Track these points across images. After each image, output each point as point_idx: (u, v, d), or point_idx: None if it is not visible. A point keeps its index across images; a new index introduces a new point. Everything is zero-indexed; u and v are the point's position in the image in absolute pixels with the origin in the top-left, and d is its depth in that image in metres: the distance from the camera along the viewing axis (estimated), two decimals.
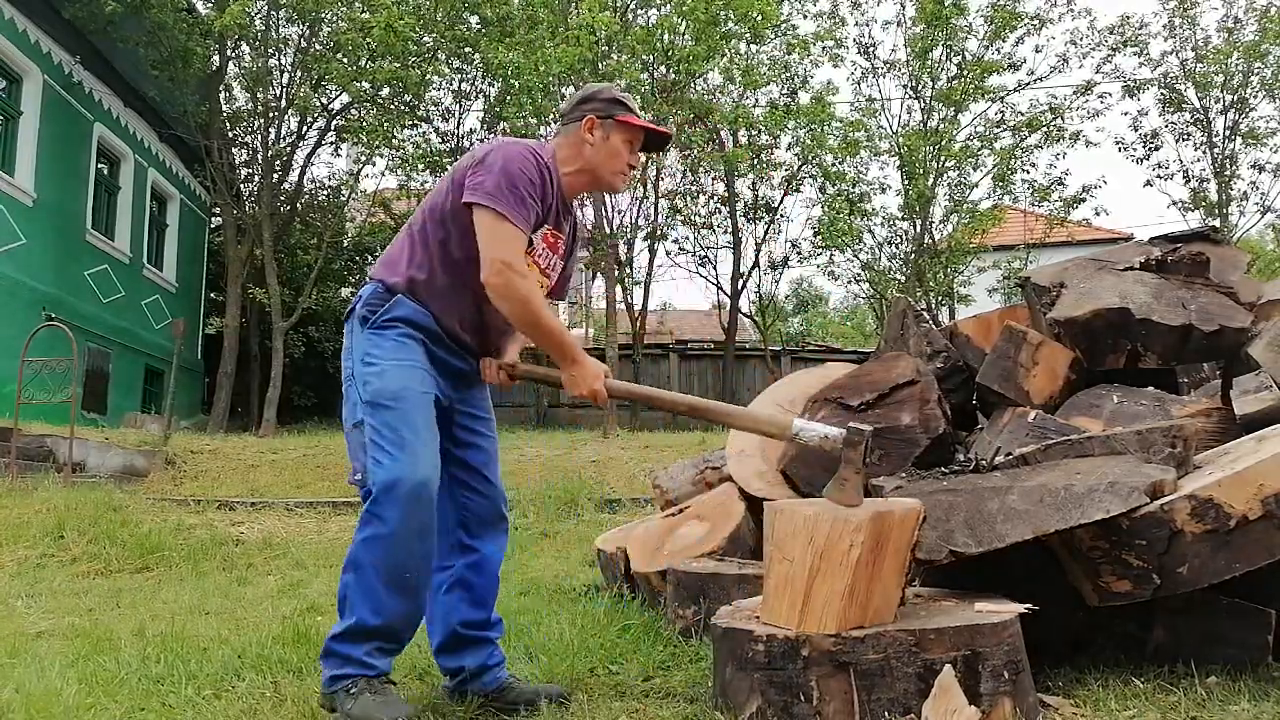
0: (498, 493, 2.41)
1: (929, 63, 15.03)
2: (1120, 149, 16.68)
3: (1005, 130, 15.52)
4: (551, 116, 13.48)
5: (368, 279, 2.33)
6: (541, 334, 2.23)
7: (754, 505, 3.35)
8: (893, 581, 2.04)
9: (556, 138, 2.43)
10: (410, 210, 14.35)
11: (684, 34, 13.44)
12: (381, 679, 2.09)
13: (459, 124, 14.10)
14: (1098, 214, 16.36)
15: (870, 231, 16.20)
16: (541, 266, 2.32)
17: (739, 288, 16.23)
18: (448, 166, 13.29)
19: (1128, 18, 15.60)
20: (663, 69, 13.61)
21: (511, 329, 2.36)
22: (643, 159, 2.59)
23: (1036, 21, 15.03)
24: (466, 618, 2.32)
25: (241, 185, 15.47)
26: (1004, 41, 15.12)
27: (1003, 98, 15.38)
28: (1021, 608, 2.07)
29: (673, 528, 3.58)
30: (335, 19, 13.31)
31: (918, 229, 15.59)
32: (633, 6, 13.91)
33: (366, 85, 13.17)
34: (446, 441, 2.27)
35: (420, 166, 13.53)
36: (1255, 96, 15.64)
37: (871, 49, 15.86)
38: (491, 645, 2.36)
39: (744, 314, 16.94)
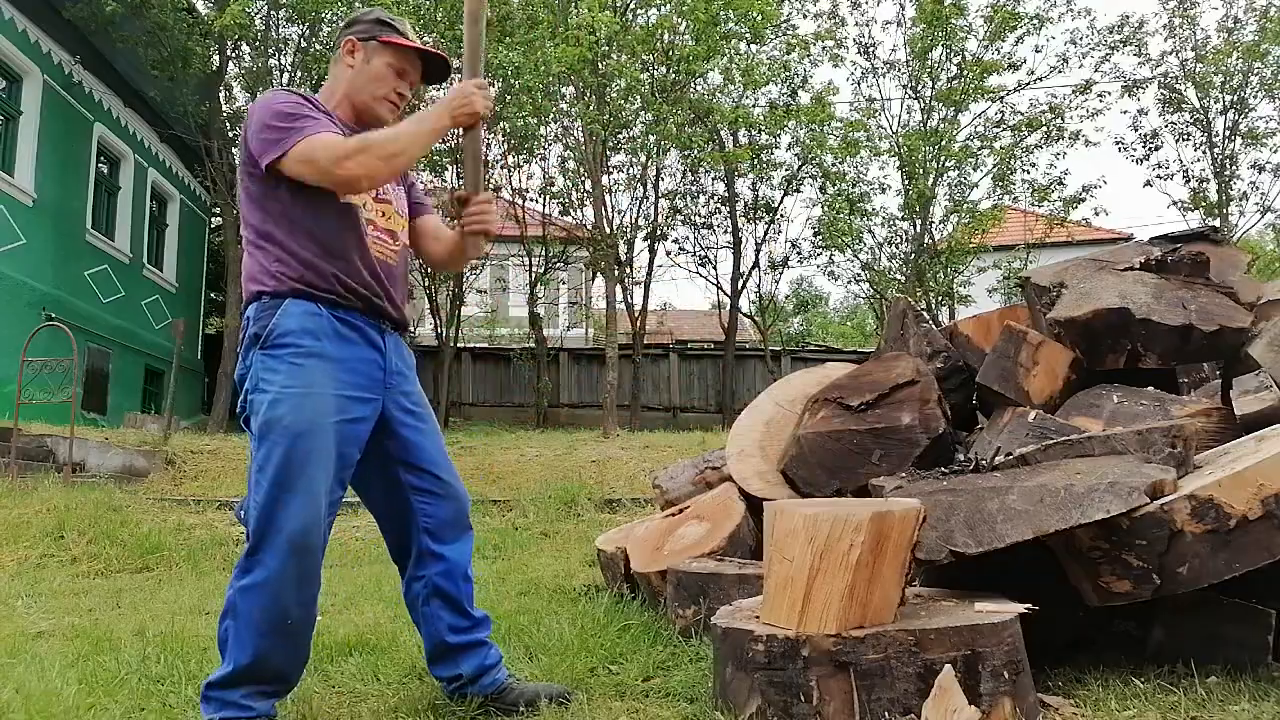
0: (456, 491, 2.26)
1: (929, 63, 15.05)
2: (1120, 149, 16.71)
3: (1005, 130, 15.53)
4: (551, 116, 13.50)
5: (244, 303, 2.12)
6: (408, 142, 2.07)
7: (754, 505, 3.35)
8: (893, 581, 2.04)
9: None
10: None
11: (684, 34, 13.44)
12: (260, 719, 2.00)
13: None
14: (1097, 214, 16.40)
15: (870, 231, 16.22)
16: (379, 196, 2.21)
17: (739, 288, 16.23)
18: (448, 166, 13.38)
19: (1127, 17, 15.63)
20: (663, 69, 13.62)
21: (400, 270, 2.25)
22: (417, 90, 2.40)
23: (1036, 21, 15.04)
24: (452, 624, 2.25)
25: None
26: (1004, 41, 15.14)
27: (1003, 98, 15.40)
28: (1021, 608, 2.07)
29: (673, 528, 3.58)
30: (335, 19, 13.30)
31: (918, 229, 15.59)
32: (633, 6, 13.91)
33: None
34: (387, 445, 2.17)
35: (420, 166, 13.53)
36: (1255, 97, 15.65)
37: (871, 49, 15.89)
38: (485, 646, 2.30)
39: (744, 314, 16.95)
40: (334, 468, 2.02)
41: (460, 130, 2.21)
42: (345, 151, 1.99)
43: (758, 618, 2.14)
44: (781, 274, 16.81)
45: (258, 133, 2.05)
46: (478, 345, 18.21)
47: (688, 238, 16.69)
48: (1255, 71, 15.39)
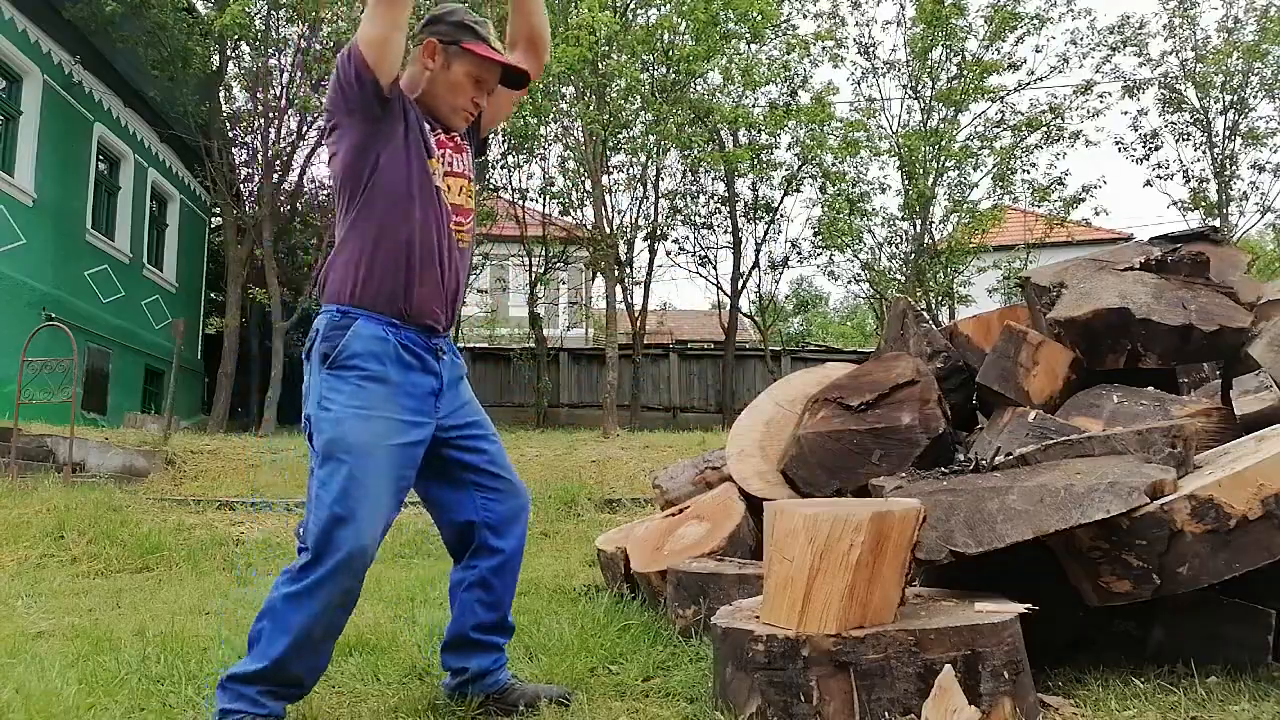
0: (516, 487, 2.32)
1: (929, 63, 15.05)
2: (1120, 149, 16.71)
3: (1005, 130, 15.53)
4: (551, 116, 13.50)
5: (320, 303, 2.17)
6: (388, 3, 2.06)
7: (754, 505, 3.35)
8: (892, 581, 2.04)
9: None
10: None
11: (684, 34, 13.44)
12: (267, 718, 2.03)
13: None
14: (1097, 214, 16.40)
15: (870, 231, 16.22)
16: (449, 169, 2.22)
17: (739, 288, 16.23)
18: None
19: (1128, 18, 15.62)
20: (663, 69, 13.62)
21: (469, 258, 2.30)
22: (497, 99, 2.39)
23: (1036, 22, 15.04)
24: (480, 620, 2.28)
25: (241, 185, 15.47)
26: (1004, 42, 15.14)
27: (1003, 98, 15.40)
28: (1021, 608, 2.07)
29: (673, 528, 3.58)
30: (335, 19, 13.30)
31: (918, 229, 15.60)
32: (633, 6, 13.91)
33: None
34: (448, 453, 2.22)
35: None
36: (1255, 97, 15.66)
37: (871, 49, 15.89)
38: (498, 650, 2.33)
39: (744, 314, 16.95)
40: (393, 489, 2.06)
41: None
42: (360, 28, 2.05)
43: (758, 618, 2.14)
44: (781, 274, 16.84)
45: (331, 96, 2.10)
46: (478, 345, 18.21)
47: (688, 238, 16.71)
48: (1255, 71, 15.39)
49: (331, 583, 1.98)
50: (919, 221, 15.49)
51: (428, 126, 2.19)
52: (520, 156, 14.73)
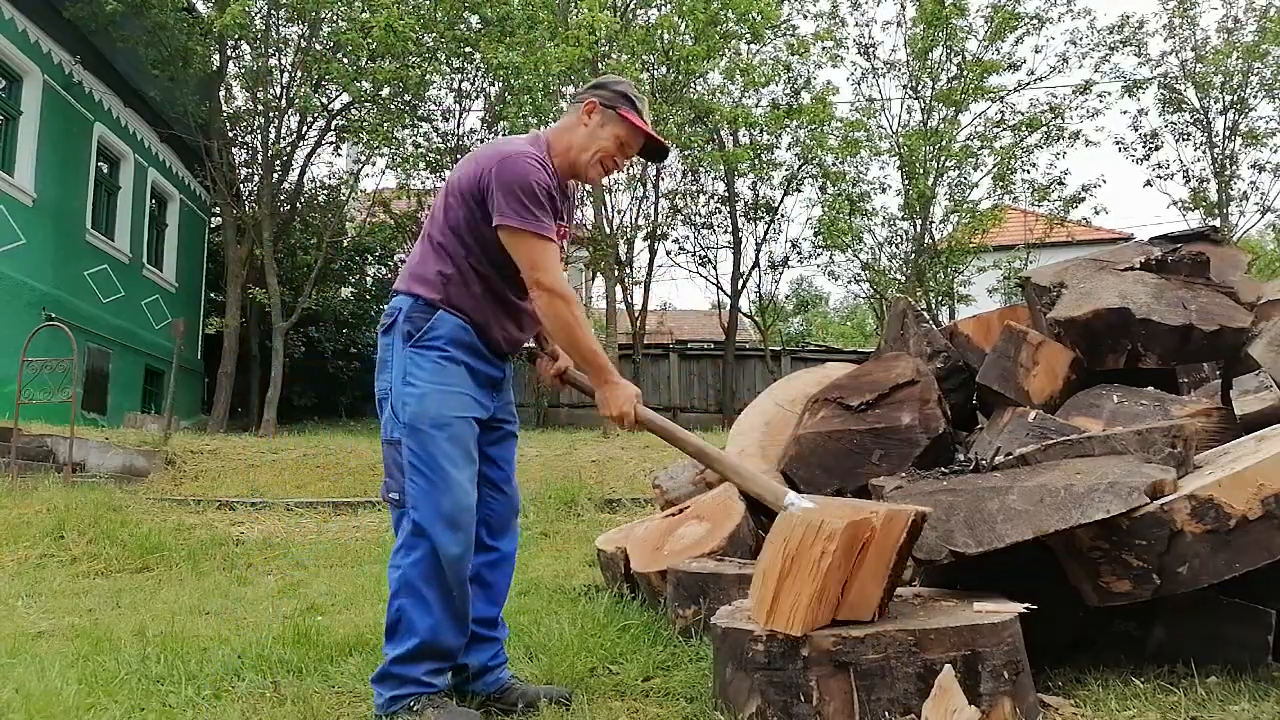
0: (515, 491, 2.46)
1: (929, 63, 15.05)
2: (1120, 149, 16.72)
3: (1005, 130, 15.53)
4: (552, 117, 13.49)
5: (397, 291, 2.31)
6: (580, 355, 2.28)
7: (754, 505, 3.35)
8: (872, 584, 2.02)
9: (557, 122, 2.44)
10: (410, 210, 14.38)
11: (684, 34, 13.43)
12: (440, 695, 2.14)
13: (459, 124, 14.11)
14: (1097, 213, 16.42)
15: (870, 231, 16.23)
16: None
17: (739, 288, 16.23)
18: (448, 166, 13.35)
19: (1127, 18, 15.62)
20: (663, 69, 13.62)
21: (530, 333, 2.44)
22: (629, 164, 2.58)
23: (1036, 22, 15.04)
24: (479, 614, 2.32)
25: (241, 185, 15.47)
26: (1004, 42, 15.14)
27: (1002, 98, 15.40)
28: (1021, 608, 2.07)
29: (673, 528, 3.58)
30: (335, 19, 13.30)
31: (918, 229, 15.60)
32: (633, 6, 13.91)
33: (367, 85, 13.16)
34: (483, 447, 2.31)
35: (420, 166, 13.53)
36: (1255, 97, 15.65)
37: (871, 49, 15.90)
38: (497, 645, 2.37)
39: (744, 314, 16.95)
40: (473, 454, 2.25)
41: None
42: (557, 292, 2.20)
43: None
44: (781, 274, 16.85)
45: (508, 191, 2.19)
46: None
47: (688, 237, 16.72)
48: (1255, 72, 15.39)
49: (447, 542, 2.13)
50: (919, 221, 15.50)
51: (562, 223, 2.35)
52: None
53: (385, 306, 2.40)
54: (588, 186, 13.90)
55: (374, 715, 2.17)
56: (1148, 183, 16.75)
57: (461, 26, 12.97)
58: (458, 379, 2.23)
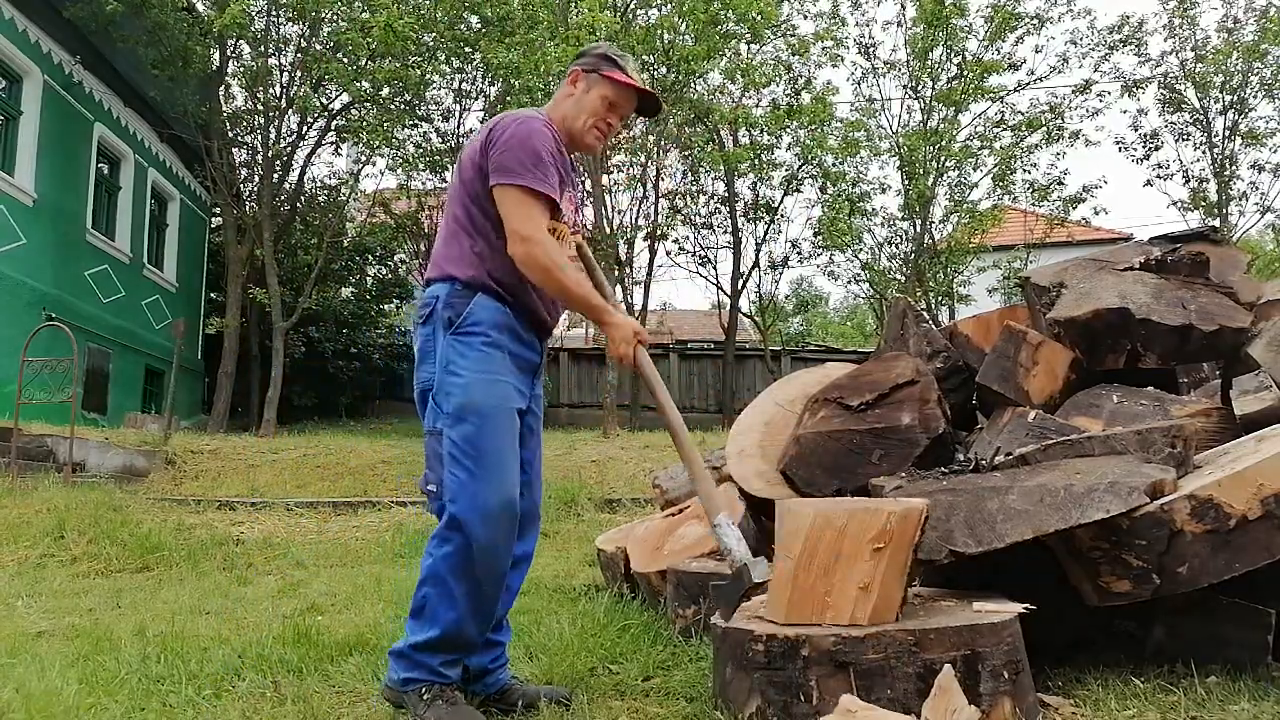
0: (538, 491, 2.45)
1: (929, 63, 15.05)
2: (1120, 149, 16.71)
3: (1005, 130, 15.53)
4: None
5: (431, 280, 2.28)
6: (569, 300, 2.24)
7: (754, 505, 3.35)
8: (893, 582, 2.04)
9: (550, 100, 2.45)
10: (411, 211, 14.39)
11: (684, 34, 13.43)
12: (452, 688, 2.14)
13: (459, 124, 14.11)
14: (1097, 213, 16.41)
15: (870, 231, 16.22)
16: (571, 228, 2.36)
17: (739, 288, 16.23)
18: (448, 166, 13.37)
19: (1127, 17, 15.62)
20: (663, 69, 13.62)
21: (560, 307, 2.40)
22: (624, 122, 2.58)
23: (1036, 21, 15.04)
24: None
25: (241, 185, 15.47)
26: (1004, 41, 15.14)
27: (1003, 98, 15.40)
28: (1021, 608, 2.07)
29: (673, 528, 3.58)
30: (335, 19, 13.30)
31: (918, 229, 15.60)
32: (633, 6, 13.91)
33: (366, 85, 13.16)
34: None
35: (420, 166, 13.53)
36: (1255, 97, 15.65)
37: (871, 49, 15.90)
38: (500, 648, 2.36)
39: (744, 314, 16.94)
40: (515, 447, 2.22)
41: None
42: (533, 240, 2.14)
43: (759, 617, 2.14)
44: (781, 274, 16.85)
45: (505, 149, 2.18)
46: None
47: (688, 237, 16.71)
48: (1255, 71, 15.39)
49: (485, 535, 2.09)
50: (919, 221, 15.49)
51: (565, 195, 2.31)
52: None
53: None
54: (589, 186, 13.91)
55: (385, 684, 2.22)
56: (1147, 183, 16.76)
57: (461, 26, 12.97)
58: (501, 367, 2.19)
